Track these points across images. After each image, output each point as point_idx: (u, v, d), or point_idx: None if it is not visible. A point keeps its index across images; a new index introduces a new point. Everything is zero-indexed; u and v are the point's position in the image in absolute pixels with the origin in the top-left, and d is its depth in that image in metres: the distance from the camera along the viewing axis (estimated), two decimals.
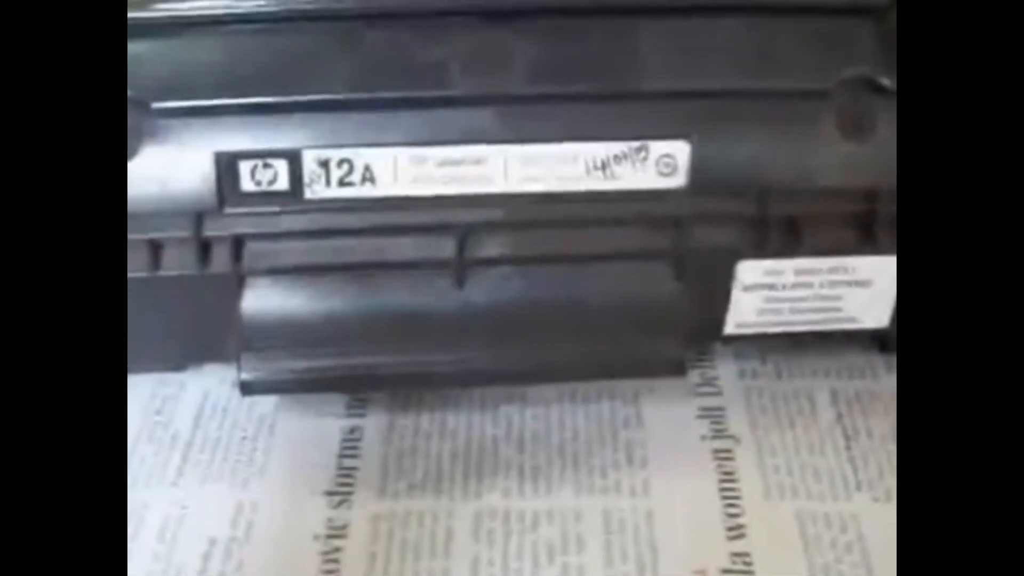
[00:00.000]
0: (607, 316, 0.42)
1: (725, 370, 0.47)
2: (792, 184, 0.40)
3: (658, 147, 0.39)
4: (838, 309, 0.43)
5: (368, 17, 0.40)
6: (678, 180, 0.40)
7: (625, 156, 0.39)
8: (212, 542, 0.40)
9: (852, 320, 0.43)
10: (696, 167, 0.40)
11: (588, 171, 0.39)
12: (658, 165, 0.39)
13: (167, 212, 0.39)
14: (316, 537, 0.40)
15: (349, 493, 0.42)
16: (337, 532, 0.40)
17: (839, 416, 0.45)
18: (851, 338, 0.46)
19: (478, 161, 0.39)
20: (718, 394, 0.46)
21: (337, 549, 0.40)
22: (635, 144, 0.39)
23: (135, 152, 0.38)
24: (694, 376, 0.46)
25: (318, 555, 0.40)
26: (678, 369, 0.42)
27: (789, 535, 0.40)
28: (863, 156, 0.40)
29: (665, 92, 0.40)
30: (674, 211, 0.40)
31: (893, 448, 0.43)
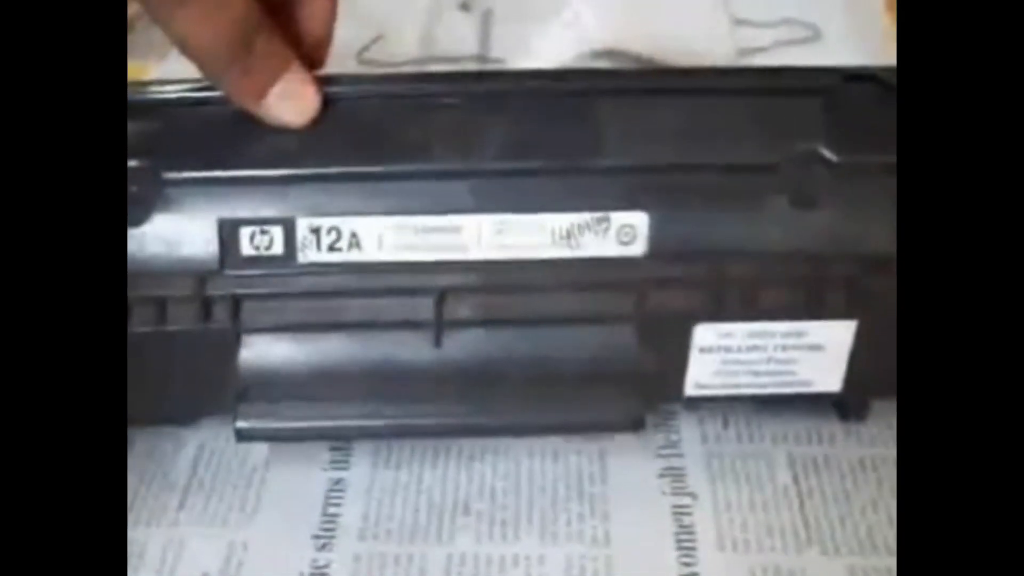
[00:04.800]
0: (572, 374, 0.47)
1: (688, 434, 0.52)
2: (746, 251, 0.46)
3: (618, 218, 0.45)
4: (792, 372, 0.48)
5: (358, 99, 0.47)
6: (637, 248, 0.45)
7: (588, 226, 0.45)
8: None
9: (806, 384, 0.49)
10: (654, 236, 0.45)
11: (554, 240, 0.45)
12: (619, 234, 0.45)
13: (173, 272, 0.45)
14: (300, 575, 0.47)
15: (332, 537, 0.48)
16: (320, 571, 0.47)
17: (795, 478, 0.50)
18: (810, 404, 0.52)
19: (454, 230, 0.45)
20: (680, 456, 0.51)
21: None
22: (597, 215, 0.45)
23: (146, 217, 0.45)
24: (658, 438, 0.52)
25: None
26: (638, 425, 0.48)
27: None
28: (812, 225, 0.46)
29: (625, 167, 0.45)
30: (634, 277, 0.46)
31: (845, 508, 0.49)
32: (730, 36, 0.72)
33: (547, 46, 0.69)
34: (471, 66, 0.72)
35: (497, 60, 0.73)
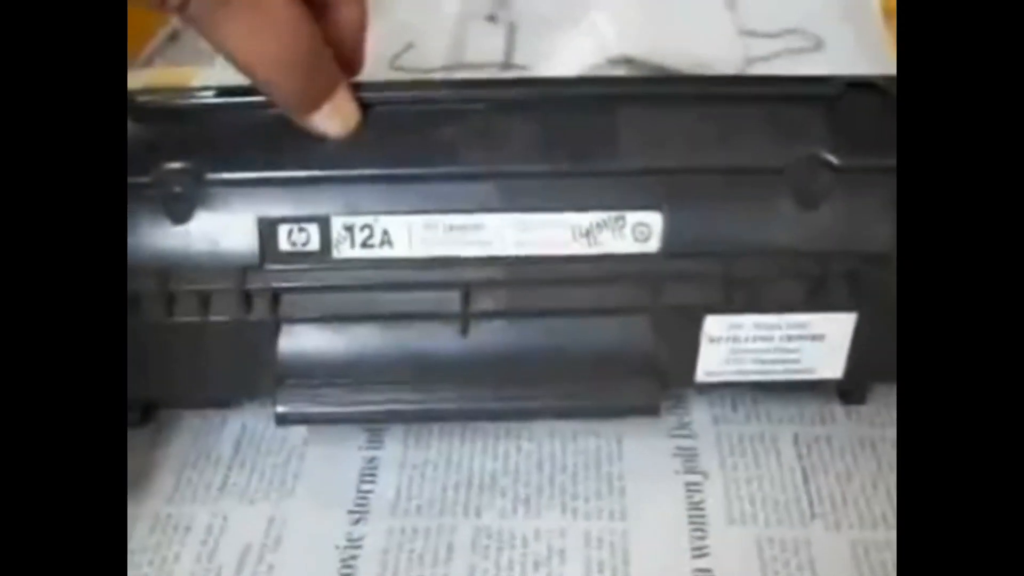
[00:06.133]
0: (591, 363, 0.47)
1: (699, 416, 0.52)
2: (753, 248, 0.46)
3: (634, 217, 0.45)
4: (796, 360, 0.48)
5: (390, 103, 0.47)
6: (652, 245, 0.45)
7: (605, 224, 0.45)
8: (247, 548, 0.47)
9: (809, 371, 0.48)
10: (668, 234, 0.45)
11: (574, 237, 0.45)
12: (634, 232, 0.45)
13: (216, 267, 0.45)
14: (336, 547, 0.46)
15: (366, 512, 0.48)
16: (354, 543, 0.47)
17: (800, 456, 0.50)
18: (814, 388, 0.51)
19: (480, 227, 0.45)
20: (692, 436, 0.51)
21: (354, 557, 0.46)
22: (614, 214, 0.45)
23: (190, 216, 0.45)
24: (671, 420, 0.52)
25: (338, 561, 0.46)
26: (652, 410, 0.48)
27: (748, 555, 0.46)
28: (815, 224, 0.45)
29: (640, 169, 0.45)
30: (649, 272, 0.46)
31: (847, 485, 0.49)
32: (738, 46, 0.71)
33: (568, 54, 0.69)
34: (497, 73, 0.72)
35: (521, 67, 0.73)
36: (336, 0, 0.46)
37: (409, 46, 0.74)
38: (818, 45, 0.74)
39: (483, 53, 0.75)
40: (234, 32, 0.42)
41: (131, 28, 0.41)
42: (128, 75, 0.72)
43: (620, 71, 0.67)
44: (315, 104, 0.45)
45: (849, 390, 0.52)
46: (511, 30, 0.78)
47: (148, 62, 0.72)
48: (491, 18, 0.79)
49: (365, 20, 0.48)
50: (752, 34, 0.75)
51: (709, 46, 0.70)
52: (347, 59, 0.47)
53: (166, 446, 0.51)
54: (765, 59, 0.72)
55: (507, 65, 0.74)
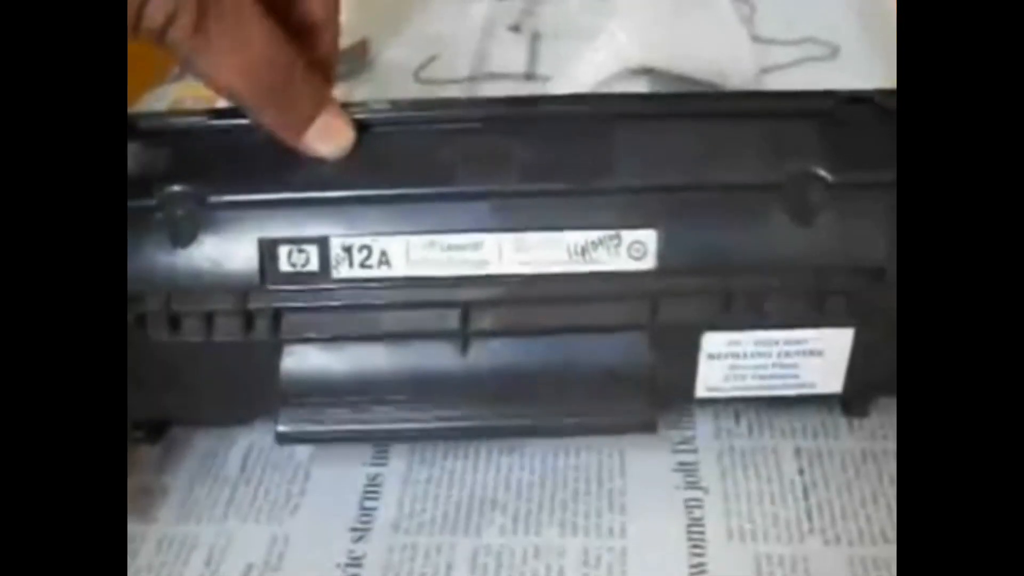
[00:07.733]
0: (589, 380, 0.45)
1: (703, 430, 0.50)
2: (749, 265, 0.44)
3: (629, 235, 0.43)
4: (796, 376, 0.46)
5: (386, 124, 0.45)
6: (648, 263, 0.43)
7: (601, 243, 0.43)
8: (249, 567, 0.45)
9: (809, 386, 0.46)
10: (663, 252, 0.43)
11: (570, 255, 0.43)
12: (630, 250, 0.43)
13: (218, 288, 0.44)
14: (338, 565, 0.45)
15: (368, 529, 0.46)
16: (355, 562, 0.45)
17: (800, 471, 0.48)
18: (818, 401, 0.49)
19: (477, 247, 0.43)
20: (694, 451, 0.49)
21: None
22: (609, 232, 0.43)
23: (193, 238, 0.43)
24: (674, 435, 0.50)
25: None
26: (650, 428, 0.46)
27: (746, 572, 0.44)
28: (811, 239, 0.43)
29: (635, 188, 0.43)
30: (645, 289, 0.44)
31: (847, 498, 0.46)
32: (753, 55, 0.69)
33: (587, 64, 0.68)
34: (519, 83, 0.71)
35: (543, 77, 0.72)
36: (316, 22, 0.46)
37: (433, 58, 0.73)
38: (834, 53, 0.72)
39: (506, 63, 0.74)
40: (213, 54, 0.40)
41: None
42: (158, 91, 0.71)
43: (639, 81, 0.66)
44: (302, 125, 0.43)
45: (851, 402, 0.49)
46: (534, 40, 0.76)
47: (179, 77, 0.71)
48: (515, 28, 0.78)
49: (339, 39, 0.47)
50: (769, 42, 0.73)
51: (724, 56, 0.68)
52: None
53: (174, 465, 0.50)
54: (781, 67, 0.70)
55: (529, 75, 0.73)
